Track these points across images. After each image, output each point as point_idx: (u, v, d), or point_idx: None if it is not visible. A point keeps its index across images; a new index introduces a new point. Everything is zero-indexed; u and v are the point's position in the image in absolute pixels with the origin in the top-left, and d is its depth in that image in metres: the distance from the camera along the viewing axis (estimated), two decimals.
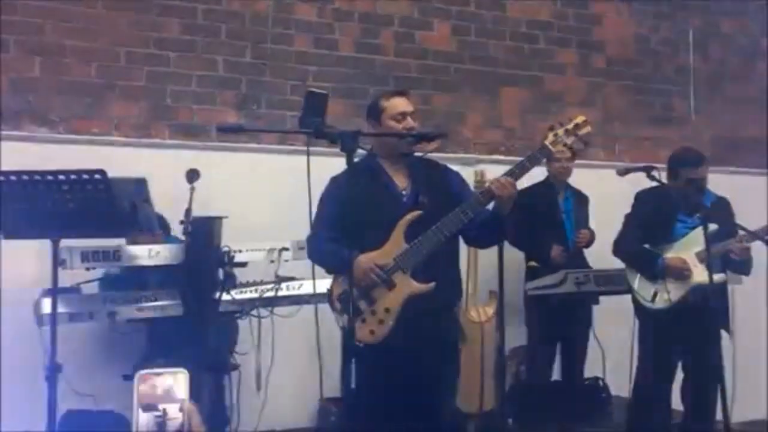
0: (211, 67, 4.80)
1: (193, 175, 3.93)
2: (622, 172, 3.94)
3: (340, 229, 2.88)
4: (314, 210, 2.84)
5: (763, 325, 5.55)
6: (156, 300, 3.51)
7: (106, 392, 3.80)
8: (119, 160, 4.30)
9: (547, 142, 2.92)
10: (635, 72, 6.01)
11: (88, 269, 3.42)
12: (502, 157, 5.49)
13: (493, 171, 5.37)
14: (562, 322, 4.74)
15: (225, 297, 3.53)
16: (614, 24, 5.96)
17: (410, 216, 2.90)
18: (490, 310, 4.03)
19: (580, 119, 2.93)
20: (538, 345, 4.83)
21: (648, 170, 3.76)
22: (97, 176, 3.11)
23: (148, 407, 1.20)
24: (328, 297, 2.98)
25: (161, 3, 4.67)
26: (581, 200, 4.94)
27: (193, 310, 3.42)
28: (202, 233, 3.41)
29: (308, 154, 2.58)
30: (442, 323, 2.98)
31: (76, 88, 4.49)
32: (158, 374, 1.26)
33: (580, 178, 5.17)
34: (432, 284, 2.84)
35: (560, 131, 2.92)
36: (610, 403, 5.07)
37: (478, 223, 2.95)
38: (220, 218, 3.51)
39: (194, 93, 4.75)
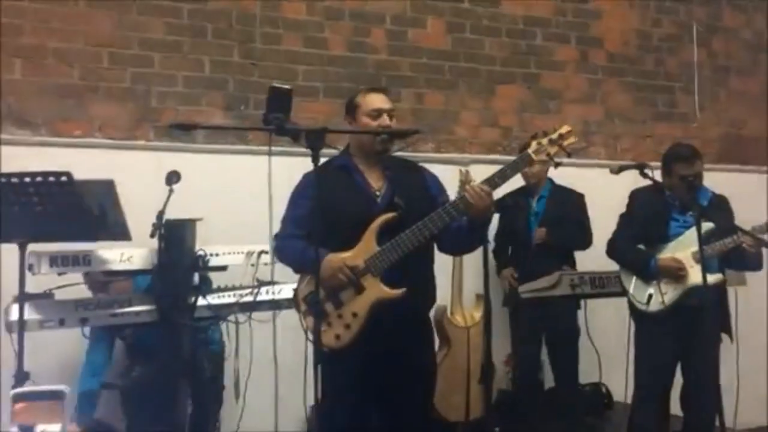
0: (198, 68, 4.70)
1: (172, 177, 3.83)
2: (616, 171, 3.78)
3: (310, 228, 2.79)
4: (276, 209, 2.73)
5: None
6: (130, 305, 3.40)
7: None
8: (102, 162, 4.25)
9: (529, 151, 2.80)
10: (637, 68, 5.86)
11: (60, 274, 3.32)
12: (498, 157, 5.36)
13: (490, 171, 5.31)
14: (544, 325, 4.66)
15: (201, 302, 3.42)
16: (614, 19, 5.81)
17: (384, 218, 2.81)
18: (477, 315, 3.89)
19: (564, 129, 2.82)
20: (521, 349, 4.71)
21: (641, 168, 3.61)
22: (63, 178, 3.03)
23: (23, 428, 1.09)
24: (293, 298, 2.88)
25: (145, 3, 4.58)
26: (564, 199, 4.82)
27: (167, 315, 3.30)
28: (175, 236, 3.31)
29: (270, 153, 2.49)
30: (413, 329, 2.88)
31: (58, 90, 4.40)
32: (37, 393, 1.15)
33: (581, 177, 5.05)
34: (402, 290, 2.75)
35: (544, 140, 2.80)
36: (611, 409, 4.94)
37: (453, 229, 2.86)
38: (193, 221, 3.40)
39: (180, 94, 4.65)
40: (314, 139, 2.54)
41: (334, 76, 5.00)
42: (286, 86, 2.59)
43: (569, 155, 2.91)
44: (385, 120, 2.94)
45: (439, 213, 2.76)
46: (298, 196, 2.97)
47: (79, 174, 3.94)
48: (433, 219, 2.75)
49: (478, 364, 3.44)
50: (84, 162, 4.11)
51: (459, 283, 3.61)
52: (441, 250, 3.05)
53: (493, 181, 2.77)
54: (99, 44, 4.49)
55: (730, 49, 6.13)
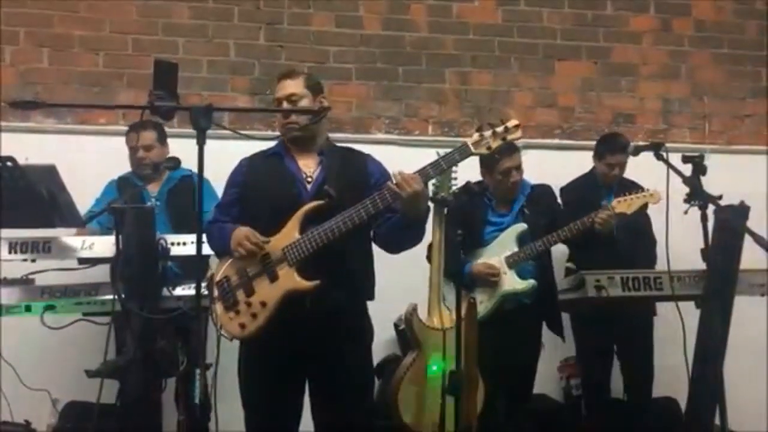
0: (223, 52, 4.60)
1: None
2: (633, 152, 3.25)
3: (238, 215, 2.74)
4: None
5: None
6: (96, 294, 3.33)
7: (63, 387, 3.72)
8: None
9: (469, 142, 2.60)
10: (732, 37, 5.07)
11: (25, 260, 3.30)
12: (558, 141, 4.87)
13: (546, 157, 4.81)
14: (607, 331, 4.12)
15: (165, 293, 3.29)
16: None
17: (309, 206, 2.61)
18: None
19: (512, 123, 2.63)
20: (585, 358, 4.27)
21: (656, 148, 3.04)
22: (8, 163, 2.98)
23: None
24: (207, 284, 2.71)
25: None
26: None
27: (127, 305, 3.19)
28: (133, 224, 3.17)
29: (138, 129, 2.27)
30: (335, 325, 2.60)
31: (84, 78, 4.47)
32: None
33: (658, 165, 4.41)
34: (315, 283, 2.51)
35: (487, 132, 2.60)
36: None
37: (390, 224, 2.65)
38: (152, 208, 3.27)
39: (204, 79, 4.57)
40: (200, 119, 2.32)
41: (368, 56, 4.72)
42: (171, 60, 2.38)
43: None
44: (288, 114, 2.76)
45: (365, 203, 2.54)
46: (228, 183, 2.85)
47: (109, 161, 4.06)
48: (357, 209, 2.53)
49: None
50: (109, 149, 4.13)
51: (439, 279, 3.22)
52: (377, 244, 2.77)
53: (426, 172, 2.55)
54: (123, 31, 4.50)
55: None
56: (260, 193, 2.70)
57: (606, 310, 3.86)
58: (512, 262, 3.54)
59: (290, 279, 2.54)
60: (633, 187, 4.00)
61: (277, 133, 4.14)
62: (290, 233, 2.58)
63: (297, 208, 2.60)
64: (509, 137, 2.60)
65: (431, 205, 2.98)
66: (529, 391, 3.75)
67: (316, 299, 2.54)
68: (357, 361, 2.67)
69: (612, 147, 4.03)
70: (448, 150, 3.03)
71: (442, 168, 2.56)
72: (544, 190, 3.78)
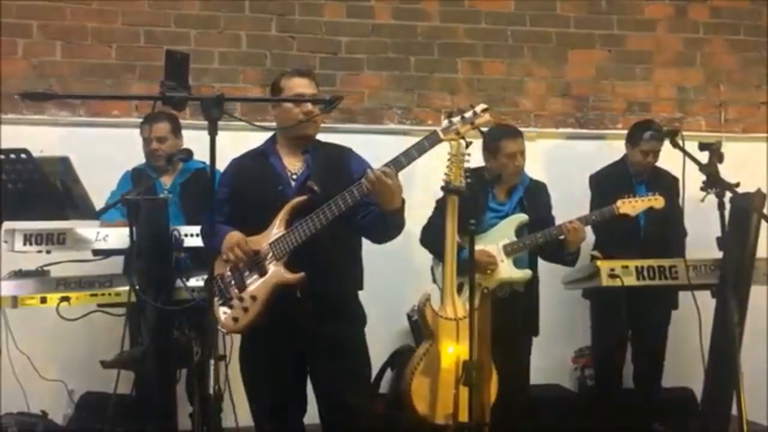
0: (234, 44, 4.60)
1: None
2: (649, 140, 3.21)
3: (230, 213, 2.83)
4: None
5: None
6: (110, 285, 3.35)
7: (79, 378, 3.73)
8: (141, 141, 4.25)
9: (439, 129, 2.64)
10: (748, 23, 5.01)
11: (40, 252, 3.32)
12: (571, 131, 4.83)
13: (559, 146, 4.79)
14: (626, 321, 4.02)
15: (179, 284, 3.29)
16: None
17: (293, 202, 2.69)
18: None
19: (480, 107, 2.65)
20: (600, 346, 4.26)
21: (672, 135, 3.00)
22: (23, 155, 2.99)
23: None
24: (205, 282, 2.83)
25: None
26: (664, 185, 3.96)
27: (141, 297, 3.20)
28: (146, 215, 3.18)
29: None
30: (325, 314, 2.68)
31: (97, 71, 4.47)
32: None
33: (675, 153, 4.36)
34: (300, 275, 2.62)
35: (456, 118, 2.64)
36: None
37: (371, 216, 2.71)
38: (165, 199, 3.27)
39: (216, 71, 4.57)
40: (211, 109, 2.32)
41: (379, 46, 4.70)
42: (182, 51, 2.37)
43: (482, 134, 2.82)
44: (307, 106, 2.74)
45: (343, 195, 2.60)
46: (218, 182, 2.88)
47: (122, 153, 4.06)
48: (336, 201, 2.60)
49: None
50: (122, 141, 4.14)
51: (452, 269, 3.21)
52: (361, 235, 2.85)
53: (399, 162, 2.58)
54: (136, 23, 4.50)
55: None
56: (247, 192, 2.78)
57: (626, 299, 3.82)
58: (510, 251, 3.50)
59: (278, 273, 2.64)
60: (665, 176, 3.99)
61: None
62: (277, 229, 2.67)
63: (283, 205, 2.69)
64: (477, 122, 2.60)
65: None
66: (525, 377, 3.70)
67: (306, 290, 2.63)
68: (350, 344, 2.74)
69: (648, 133, 3.95)
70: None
71: (413, 156, 2.57)
72: (541, 186, 3.73)
